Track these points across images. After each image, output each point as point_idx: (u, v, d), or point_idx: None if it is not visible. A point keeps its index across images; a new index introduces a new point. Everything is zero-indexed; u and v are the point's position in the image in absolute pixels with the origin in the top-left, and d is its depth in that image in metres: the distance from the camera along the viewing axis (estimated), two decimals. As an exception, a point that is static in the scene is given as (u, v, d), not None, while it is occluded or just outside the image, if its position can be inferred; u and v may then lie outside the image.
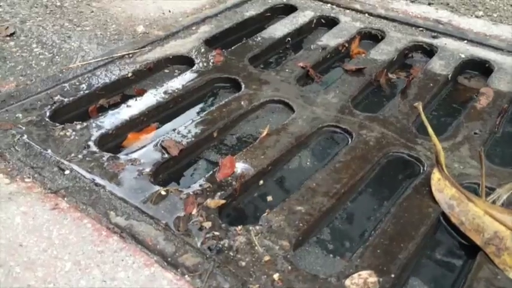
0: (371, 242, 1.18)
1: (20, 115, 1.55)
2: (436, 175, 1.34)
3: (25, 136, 1.46)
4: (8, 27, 2.10)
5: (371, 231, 1.23)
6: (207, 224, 1.19)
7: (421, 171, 1.42)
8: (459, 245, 1.23)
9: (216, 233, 1.17)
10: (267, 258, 1.12)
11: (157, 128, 1.59)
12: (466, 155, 1.47)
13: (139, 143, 1.51)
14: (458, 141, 1.53)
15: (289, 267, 1.10)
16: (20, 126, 1.50)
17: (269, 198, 1.34)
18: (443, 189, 1.30)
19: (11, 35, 2.05)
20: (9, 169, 1.34)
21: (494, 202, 1.28)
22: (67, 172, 1.34)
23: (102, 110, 1.64)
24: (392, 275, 1.10)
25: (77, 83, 1.73)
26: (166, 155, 1.41)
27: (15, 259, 1.09)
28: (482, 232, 1.19)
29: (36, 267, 1.08)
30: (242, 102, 1.67)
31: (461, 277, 1.15)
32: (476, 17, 2.33)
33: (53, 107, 1.59)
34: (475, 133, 1.57)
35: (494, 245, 1.16)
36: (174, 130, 1.52)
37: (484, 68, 1.95)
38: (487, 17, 2.33)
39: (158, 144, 1.45)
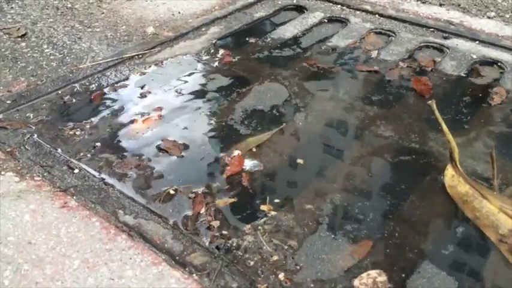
0: (381, 240, 1.17)
1: (31, 115, 1.55)
2: (449, 171, 1.33)
3: (35, 135, 1.46)
4: (19, 28, 2.12)
5: (381, 230, 1.22)
6: (216, 223, 1.19)
7: (434, 167, 1.40)
8: (472, 242, 1.21)
9: (225, 232, 1.16)
10: (275, 257, 1.11)
11: (162, 114, 1.60)
12: (480, 153, 1.45)
13: (143, 130, 1.52)
14: (471, 138, 1.51)
15: (298, 267, 1.09)
16: (30, 125, 1.51)
17: (278, 196, 1.33)
18: (457, 186, 1.28)
19: (23, 36, 2.07)
20: (19, 168, 1.35)
21: (506, 200, 1.26)
22: (76, 171, 1.34)
23: (110, 108, 1.64)
24: (403, 274, 1.08)
25: (87, 83, 1.73)
26: (174, 156, 1.41)
27: (23, 256, 1.10)
28: (497, 229, 1.18)
29: (45, 265, 1.08)
30: (251, 101, 1.66)
31: (474, 274, 1.13)
32: (488, 17, 2.30)
33: (63, 107, 1.60)
34: (488, 131, 1.54)
35: (509, 243, 1.14)
36: (184, 128, 1.52)
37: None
38: (499, 18, 2.31)
39: (157, 148, 1.44)
